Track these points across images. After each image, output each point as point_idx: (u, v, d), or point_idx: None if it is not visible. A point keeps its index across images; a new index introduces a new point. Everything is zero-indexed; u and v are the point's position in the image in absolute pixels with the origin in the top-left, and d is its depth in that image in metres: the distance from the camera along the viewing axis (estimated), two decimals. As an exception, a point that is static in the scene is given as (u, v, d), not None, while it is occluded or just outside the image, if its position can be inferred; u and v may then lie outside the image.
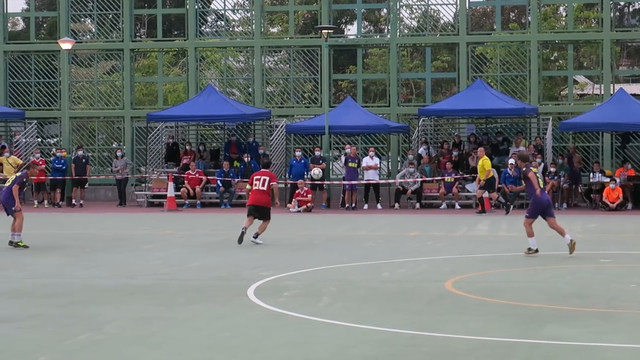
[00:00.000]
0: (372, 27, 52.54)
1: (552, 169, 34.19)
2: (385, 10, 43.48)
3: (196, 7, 41.12)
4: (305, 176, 34.69)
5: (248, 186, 22.49)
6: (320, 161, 35.09)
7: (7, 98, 41.95)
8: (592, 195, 34.38)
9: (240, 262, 18.28)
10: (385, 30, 42.60)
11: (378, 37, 45.77)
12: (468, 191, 34.54)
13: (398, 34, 40.48)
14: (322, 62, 38.67)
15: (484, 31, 45.89)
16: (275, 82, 43.11)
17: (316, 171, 31.95)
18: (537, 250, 19.04)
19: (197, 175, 35.88)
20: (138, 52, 43.65)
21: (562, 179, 34.15)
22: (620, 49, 45.83)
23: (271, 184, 21.80)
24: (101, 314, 12.49)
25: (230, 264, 18.04)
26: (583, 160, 37.33)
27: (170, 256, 19.41)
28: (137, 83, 44.19)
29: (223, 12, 43.36)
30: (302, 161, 35.46)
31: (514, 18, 52.73)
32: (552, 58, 45.61)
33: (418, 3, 41.93)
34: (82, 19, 45.17)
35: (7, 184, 21.64)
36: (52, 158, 37.63)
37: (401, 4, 40.73)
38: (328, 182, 35.35)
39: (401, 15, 41.30)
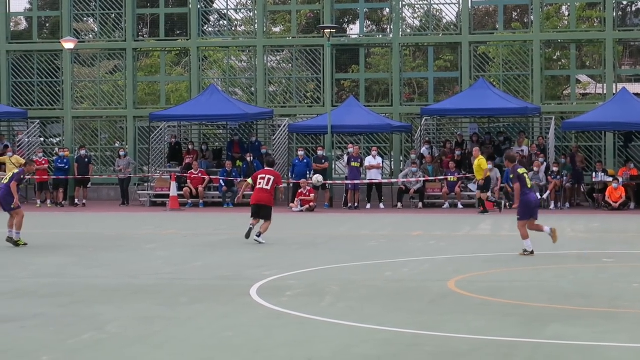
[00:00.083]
0: (374, 27, 52.54)
1: (555, 169, 34.19)
2: (387, 10, 43.46)
3: (199, 6, 41.13)
4: (308, 176, 34.71)
5: (249, 180, 22.55)
6: (323, 161, 35.09)
7: (9, 98, 41.98)
8: (594, 194, 34.37)
9: (243, 262, 18.28)
10: (388, 30, 42.56)
11: (380, 36, 45.73)
12: (471, 191, 34.52)
13: (400, 33, 40.47)
14: (325, 61, 38.68)
15: (486, 30, 45.86)
16: (277, 82, 43.11)
17: (320, 178, 31.99)
18: (532, 252, 18.97)
19: (199, 174, 35.89)
20: (140, 51, 43.67)
21: (564, 178, 34.14)
22: (623, 49, 45.81)
23: (276, 186, 21.99)
24: (103, 313, 12.49)
25: (233, 264, 18.04)
26: (586, 159, 37.30)
27: (173, 256, 19.42)
28: (140, 83, 44.20)
29: (225, 11, 43.39)
30: (305, 161, 35.47)
31: (516, 17, 52.74)
32: (555, 57, 45.58)
33: (420, 2, 41.90)
34: (85, 19, 45.17)
35: (4, 181, 21.60)
36: (54, 158, 37.65)
37: (404, 3, 40.70)
38: (331, 182, 35.35)
39: (404, 14, 41.28)
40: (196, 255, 19.51)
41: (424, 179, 34.78)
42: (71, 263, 18.24)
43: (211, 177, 36.11)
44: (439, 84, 47.71)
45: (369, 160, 35.22)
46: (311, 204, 33.43)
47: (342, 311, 12.69)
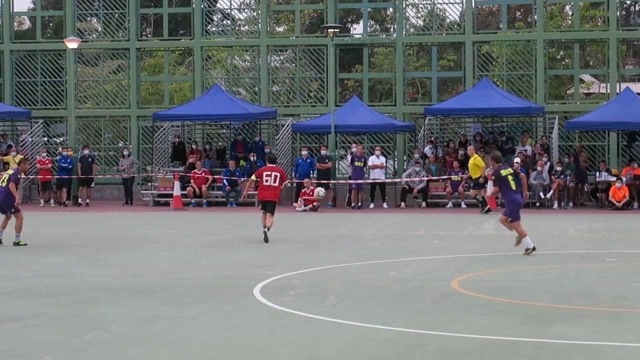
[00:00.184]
0: (378, 26, 52.54)
1: (558, 168, 34.16)
2: (391, 10, 43.44)
3: (202, 6, 41.12)
4: (312, 175, 34.73)
5: (253, 177, 22.72)
6: (326, 160, 35.10)
7: (13, 97, 42.00)
8: (598, 194, 34.34)
9: (246, 261, 18.28)
10: (391, 30, 42.55)
11: (384, 36, 45.69)
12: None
13: (404, 33, 40.44)
14: (328, 61, 38.67)
15: (490, 30, 45.80)
16: (281, 81, 43.11)
17: (322, 192, 32.06)
18: (534, 248, 18.97)
19: (203, 174, 35.89)
20: (144, 51, 43.67)
21: (568, 178, 34.11)
22: (627, 48, 45.80)
23: (283, 182, 22.44)
24: (107, 313, 12.50)
25: (236, 263, 18.04)
26: (589, 159, 37.27)
27: (176, 255, 19.42)
28: (143, 82, 44.21)
29: (229, 11, 43.36)
30: (308, 160, 35.48)
31: (520, 17, 52.75)
32: (558, 57, 45.58)
33: (424, 2, 41.86)
34: (88, 18, 45.21)
35: (2, 184, 21.53)
36: (58, 157, 37.66)
37: (407, 3, 40.67)
38: (334, 182, 35.35)
39: (407, 14, 41.24)
40: (199, 254, 19.51)
41: (427, 178, 34.76)
42: (74, 263, 18.25)
43: (214, 176, 36.11)
44: (443, 84, 47.71)
45: (372, 160, 35.21)
46: (314, 203, 33.42)
47: (345, 311, 12.68)
